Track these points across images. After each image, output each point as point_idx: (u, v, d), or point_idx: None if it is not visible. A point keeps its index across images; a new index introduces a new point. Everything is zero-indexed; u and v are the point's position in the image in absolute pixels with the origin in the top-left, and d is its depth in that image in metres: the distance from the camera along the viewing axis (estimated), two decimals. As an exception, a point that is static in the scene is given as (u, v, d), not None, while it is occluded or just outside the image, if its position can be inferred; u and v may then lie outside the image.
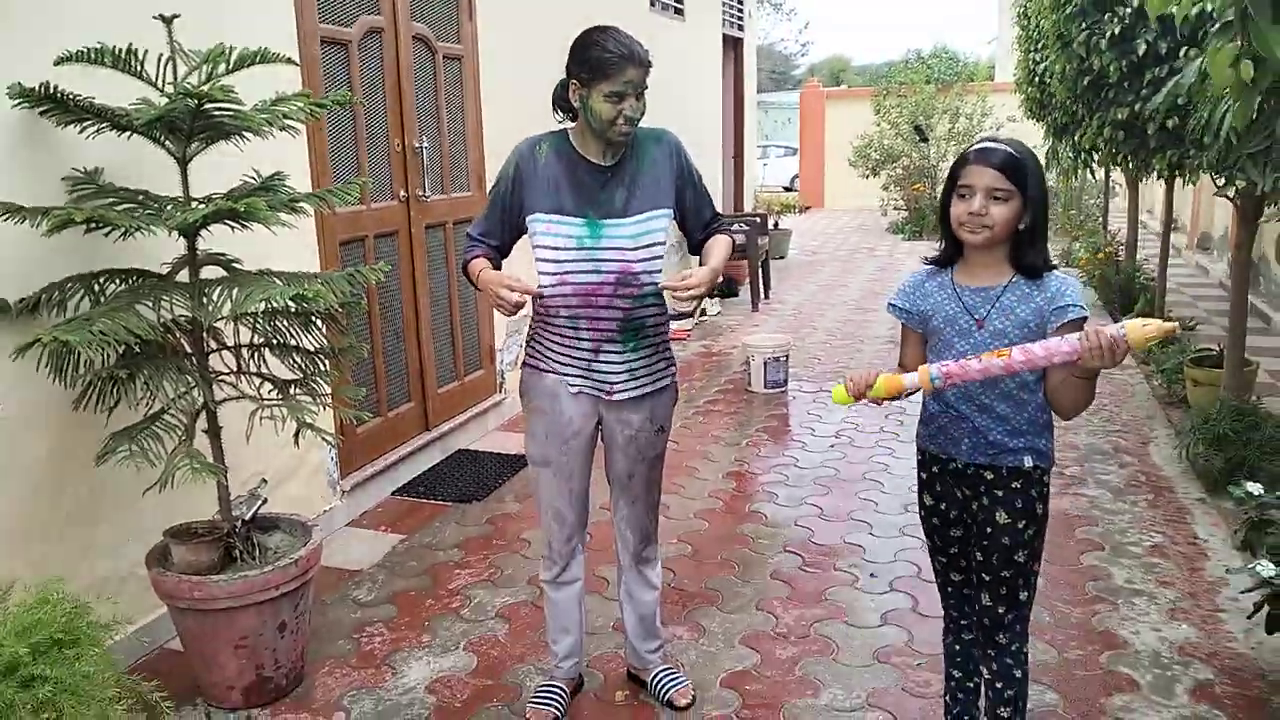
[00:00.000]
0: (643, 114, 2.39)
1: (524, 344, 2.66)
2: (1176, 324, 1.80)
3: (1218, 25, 1.72)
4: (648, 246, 2.46)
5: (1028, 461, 2.15)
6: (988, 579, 2.22)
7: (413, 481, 4.61)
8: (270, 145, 2.95)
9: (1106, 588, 3.43)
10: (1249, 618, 2.95)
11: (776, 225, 11.79)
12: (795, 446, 5.11)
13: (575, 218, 2.44)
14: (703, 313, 8.37)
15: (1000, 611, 2.22)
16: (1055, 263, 2.15)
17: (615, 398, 2.54)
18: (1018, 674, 2.25)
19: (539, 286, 2.45)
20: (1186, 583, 3.47)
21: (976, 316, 2.13)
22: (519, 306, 2.34)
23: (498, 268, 2.53)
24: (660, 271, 2.51)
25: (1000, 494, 2.17)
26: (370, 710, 2.86)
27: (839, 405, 2.15)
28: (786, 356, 6.15)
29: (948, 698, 2.50)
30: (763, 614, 3.34)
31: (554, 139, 2.51)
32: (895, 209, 15.38)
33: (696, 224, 2.61)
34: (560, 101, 2.49)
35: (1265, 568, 2.68)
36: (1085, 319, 2.05)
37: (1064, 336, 1.93)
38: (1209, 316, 7.49)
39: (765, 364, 6.03)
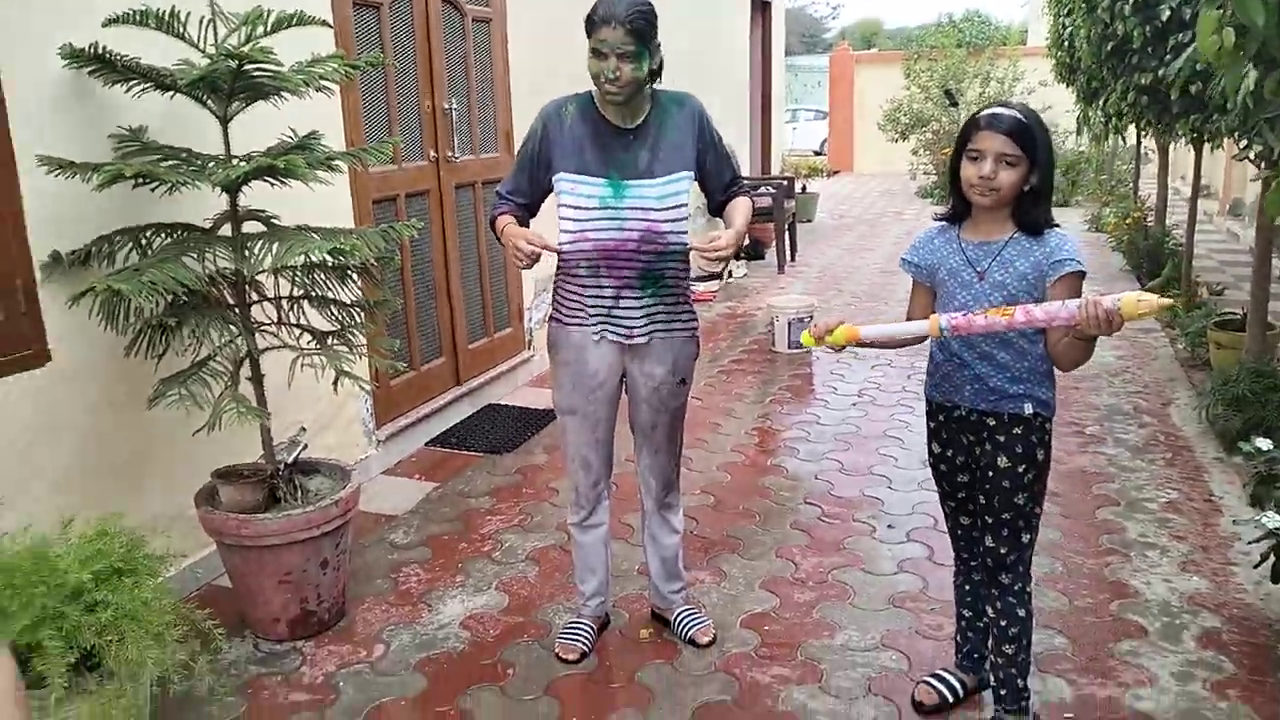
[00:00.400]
0: (629, 80, 2.42)
1: (553, 299, 2.77)
2: (1173, 300, 1.85)
3: (1207, -5, 1.77)
4: (674, 208, 2.55)
5: (1028, 408, 2.25)
6: (991, 521, 2.33)
7: (445, 433, 4.76)
8: (306, 105, 3.05)
9: (1120, 541, 3.51)
10: (1255, 567, 3.03)
11: (804, 189, 11.79)
12: (818, 405, 5.20)
13: (598, 178, 2.53)
14: (729, 275, 8.44)
15: (1003, 552, 2.33)
16: (1056, 220, 2.23)
17: (635, 340, 2.63)
18: (1020, 612, 2.36)
19: (560, 243, 2.55)
20: (1199, 537, 3.54)
21: (978, 269, 2.23)
22: (534, 259, 2.44)
23: (525, 225, 2.64)
24: (686, 232, 2.60)
25: (1002, 439, 2.27)
26: (408, 643, 3.01)
27: (808, 346, 2.34)
28: (811, 317, 6.22)
29: (958, 637, 2.62)
30: (782, 561, 3.45)
31: (579, 100, 2.59)
32: (924, 173, 15.30)
33: (717, 186, 2.69)
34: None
35: (1271, 519, 2.75)
36: (1082, 273, 2.14)
37: (1064, 302, 2.02)
38: (1236, 282, 7.46)
39: (790, 324, 6.11)
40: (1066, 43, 6.65)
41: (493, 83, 5.11)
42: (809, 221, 11.78)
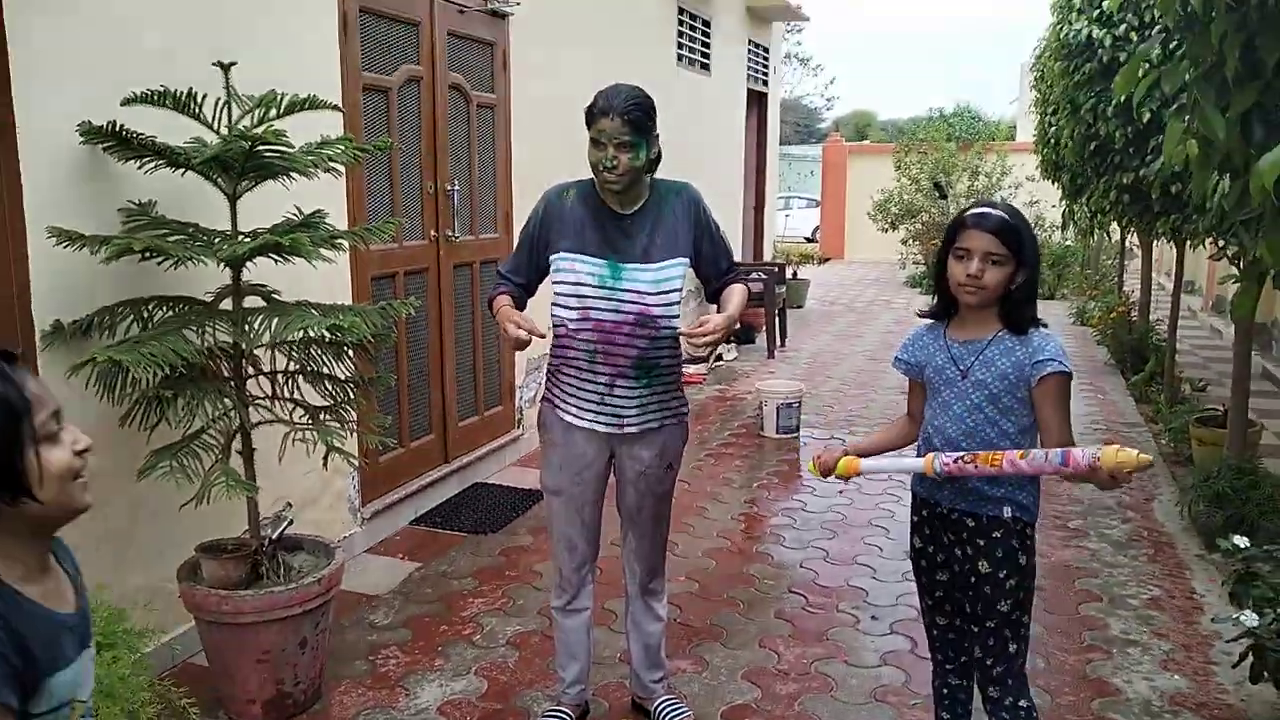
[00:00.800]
0: (628, 169, 2.50)
1: (543, 381, 2.80)
2: (1150, 459, 1.89)
3: (1174, 106, 1.85)
4: (665, 293, 2.60)
5: (1006, 512, 2.24)
6: (975, 630, 2.30)
7: (430, 511, 4.75)
8: (312, 184, 3.13)
9: (1103, 637, 3.51)
10: (1234, 667, 3.03)
11: (795, 275, 11.97)
12: (804, 491, 5.22)
13: (598, 258, 2.59)
14: (718, 358, 8.52)
15: (989, 663, 2.29)
16: (1042, 319, 2.27)
17: (627, 429, 2.66)
18: None
19: (558, 323, 2.61)
20: (1181, 635, 3.54)
21: (961, 367, 2.26)
22: (522, 344, 2.50)
23: (521, 307, 2.70)
24: (677, 317, 2.66)
25: (981, 543, 2.26)
26: (384, 727, 2.97)
27: (812, 474, 2.40)
28: (799, 403, 6.28)
29: None
30: (765, 651, 3.44)
31: (580, 186, 2.68)
32: (913, 263, 15.54)
33: (713, 273, 2.76)
34: None
35: (1249, 618, 2.77)
36: (1066, 374, 2.17)
37: (1048, 454, 2.04)
38: (1219, 378, 7.56)
39: (778, 409, 6.16)
40: (1052, 141, 6.86)
41: (494, 166, 5.24)
42: (799, 307, 11.93)
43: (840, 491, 5.16)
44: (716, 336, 2.50)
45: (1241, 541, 3.03)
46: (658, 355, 2.65)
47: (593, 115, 2.51)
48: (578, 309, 2.59)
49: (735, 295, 2.71)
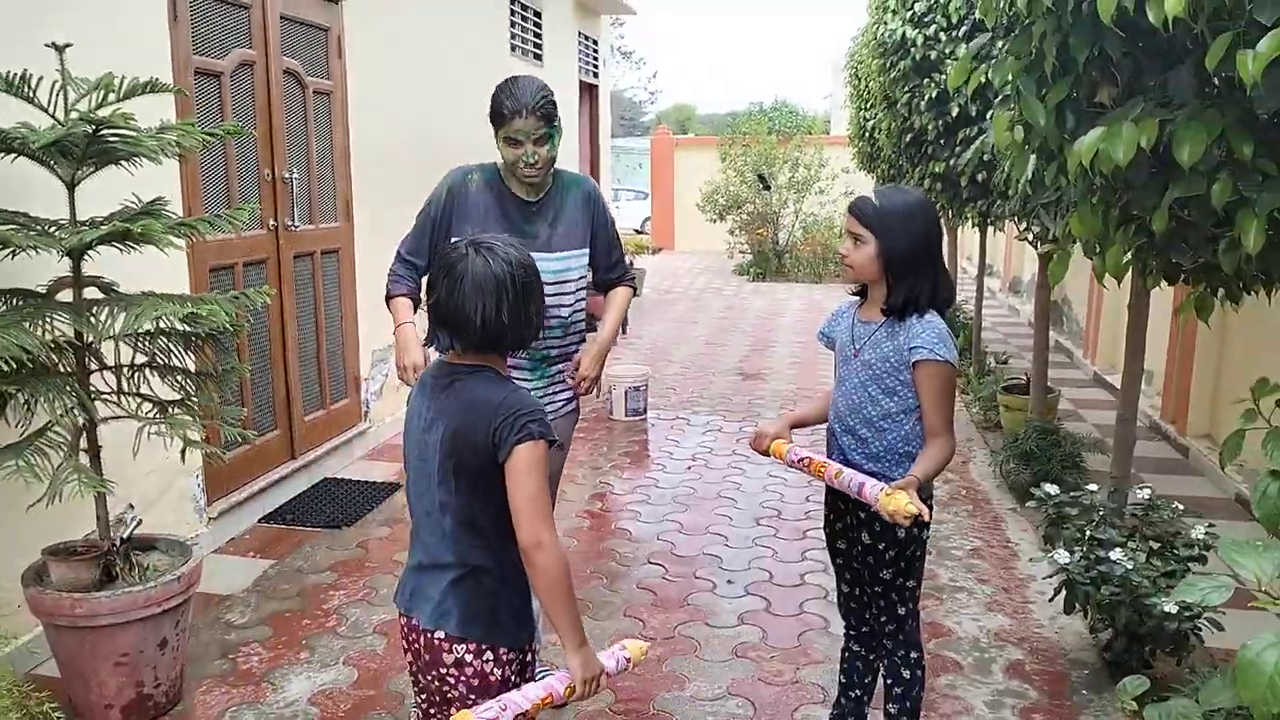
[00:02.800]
0: (546, 160, 2.58)
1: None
2: (917, 510, 2.05)
3: (1000, 98, 2.10)
4: (564, 283, 2.65)
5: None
6: (869, 591, 2.48)
7: (280, 508, 4.63)
8: (145, 172, 3.00)
9: (933, 586, 3.84)
10: (1049, 600, 3.40)
11: (632, 264, 12.18)
12: (655, 469, 5.39)
13: None
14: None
15: (883, 620, 2.47)
16: (928, 309, 2.29)
17: None
18: (905, 674, 2.48)
19: None
20: (1001, 579, 3.92)
21: (856, 346, 2.39)
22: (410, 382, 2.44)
23: (417, 300, 2.68)
24: (577, 307, 2.72)
25: (863, 515, 2.37)
26: (253, 723, 2.92)
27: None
28: (645, 386, 6.46)
29: (837, 702, 2.71)
30: (630, 619, 3.57)
31: (485, 170, 2.69)
32: (740, 252, 16.09)
33: (605, 264, 2.84)
34: None
35: (1061, 555, 3.12)
36: (938, 361, 2.24)
37: (851, 480, 2.22)
38: (1019, 352, 8.27)
39: (626, 393, 6.32)
40: (868, 134, 7.31)
41: (333, 154, 5.13)
42: (636, 295, 12.15)
43: (688, 468, 5.37)
44: (597, 370, 2.61)
45: (1052, 489, 3.40)
46: (547, 345, 2.68)
47: (503, 117, 2.52)
48: None
49: (617, 303, 2.83)
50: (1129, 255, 2.04)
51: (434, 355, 2.36)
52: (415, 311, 2.66)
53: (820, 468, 2.32)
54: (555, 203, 2.69)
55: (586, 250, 2.74)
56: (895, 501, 2.07)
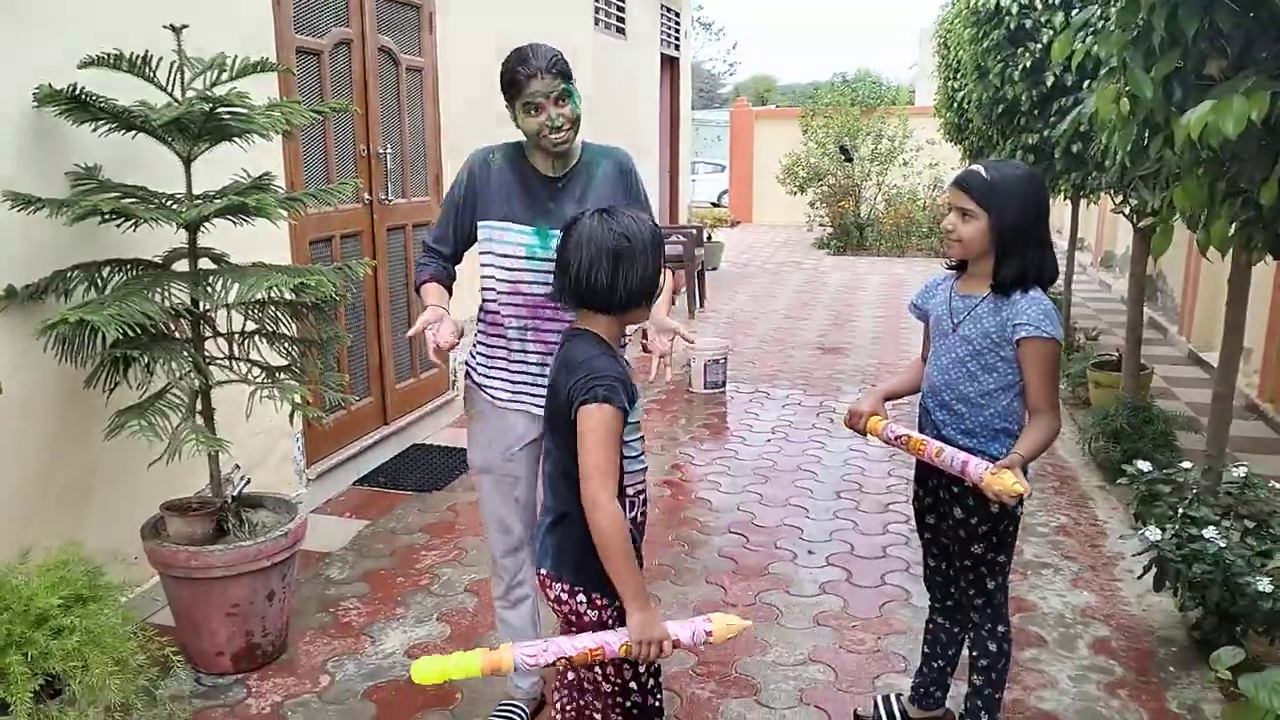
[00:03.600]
0: (571, 119, 2.39)
1: (471, 353, 2.65)
2: (1025, 489, 2.06)
3: (1105, 69, 2.06)
4: None
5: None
6: (957, 565, 2.46)
7: (374, 472, 4.81)
8: (251, 148, 3.12)
9: (1018, 562, 3.81)
10: (1139, 578, 3.36)
11: (710, 238, 12.18)
12: (735, 441, 5.44)
13: (525, 225, 2.44)
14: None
15: (972, 594, 2.45)
16: (1033, 285, 2.25)
17: None
18: (991, 647, 2.47)
19: (488, 297, 2.49)
20: (1088, 557, 3.88)
21: (954, 320, 2.34)
22: (440, 355, 2.33)
23: (450, 285, 2.58)
24: None
25: (956, 490, 2.35)
26: (354, 673, 3.07)
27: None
28: (725, 359, 6.49)
29: (919, 671, 2.73)
30: (712, 586, 3.64)
31: (507, 149, 2.53)
32: (820, 225, 15.93)
33: None
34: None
35: (1152, 532, 3.08)
36: (1044, 339, 2.20)
37: (954, 458, 2.20)
38: (1110, 328, 8.07)
39: (705, 366, 6.36)
40: (957, 105, 7.17)
41: (423, 129, 5.26)
42: (715, 269, 12.17)
43: (768, 441, 5.40)
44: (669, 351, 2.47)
45: (1144, 466, 3.35)
46: None
47: (518, 84, 2.35)
48: (507, 281, 2.46)
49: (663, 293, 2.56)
50: (1234, 229, 2.00)
51: (457, 327, 2.31)
52: (450, 298, 2.55)
53: (920, 445, 2.30)
54: (583, 177, 2.50)
55: None
56: (1001, 481, 2.04)
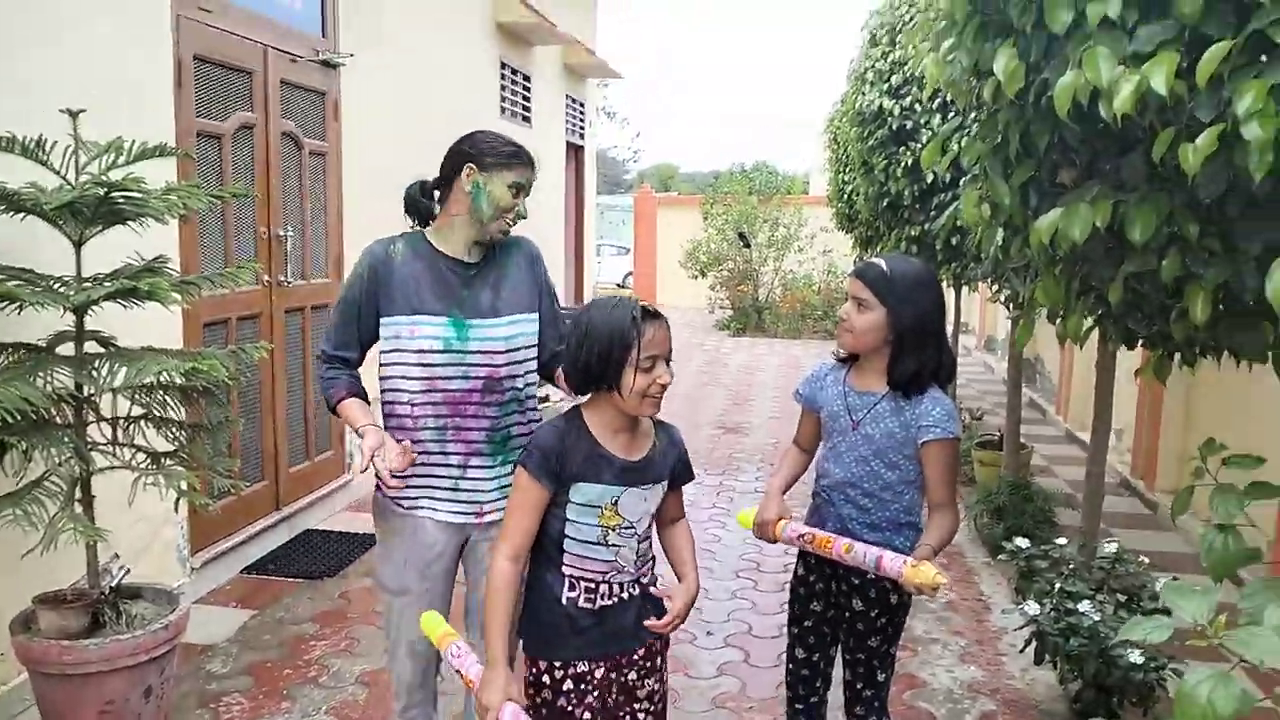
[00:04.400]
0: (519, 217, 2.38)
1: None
2: (943, 581, 2.02)
3: (968, 175, 2.24)
4: (517, 349, 2.35)
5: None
6: (848, 657, 2.43)
7: (262, 559, 4.65)
8: (146, 231, 3.07)
9: (908, 638, 3.91)
10: (1020, 652, 3.48)
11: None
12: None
13: (439, 317, 2.29)
14: (544, 399, 8.66)
15: (859, 688, 2.42)
16: (931, 383, 2.25)
17: (487, 517, 2.37)
18: None
19: (395, 400, 2.33)
20: (974, 631, 4.00)
21: (854, 418, 2.31)
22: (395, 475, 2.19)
23: (366, 398, 2.38)
24: (533, 382, 2.43)
25: (856, 582, 2.32)
26: (236, 773, 2.94)
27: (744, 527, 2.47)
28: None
29: None
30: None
31: (409, 239, 2.37)
32: (721, 307, 16.31)
33: (553, 335, 2.45)
34: (416, 203, 2.42)
35: (1031, 607, 3.21)
36: (949, 439, 2.22)
37: (867, 554, 2.14)
38: (993, 408, 8.43)
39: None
40: (846, 196, 7.51)
41: (326, 211, 5.26)
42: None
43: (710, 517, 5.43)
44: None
45: (1023, 543, 3.51)
46: (510, 423, 2.36)
47: (511, 161, 2.31)
48: (422, 378, 2.29)
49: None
50: (1089, 322, 2.17)
51: (405, 448, 2.18)
52: (370, 405, 2.36)
53: (826, 543, 2.23)
54: (498, 263, 2.39)
55: (536, 315, 2.41)
56: (922, 574, 2.02)
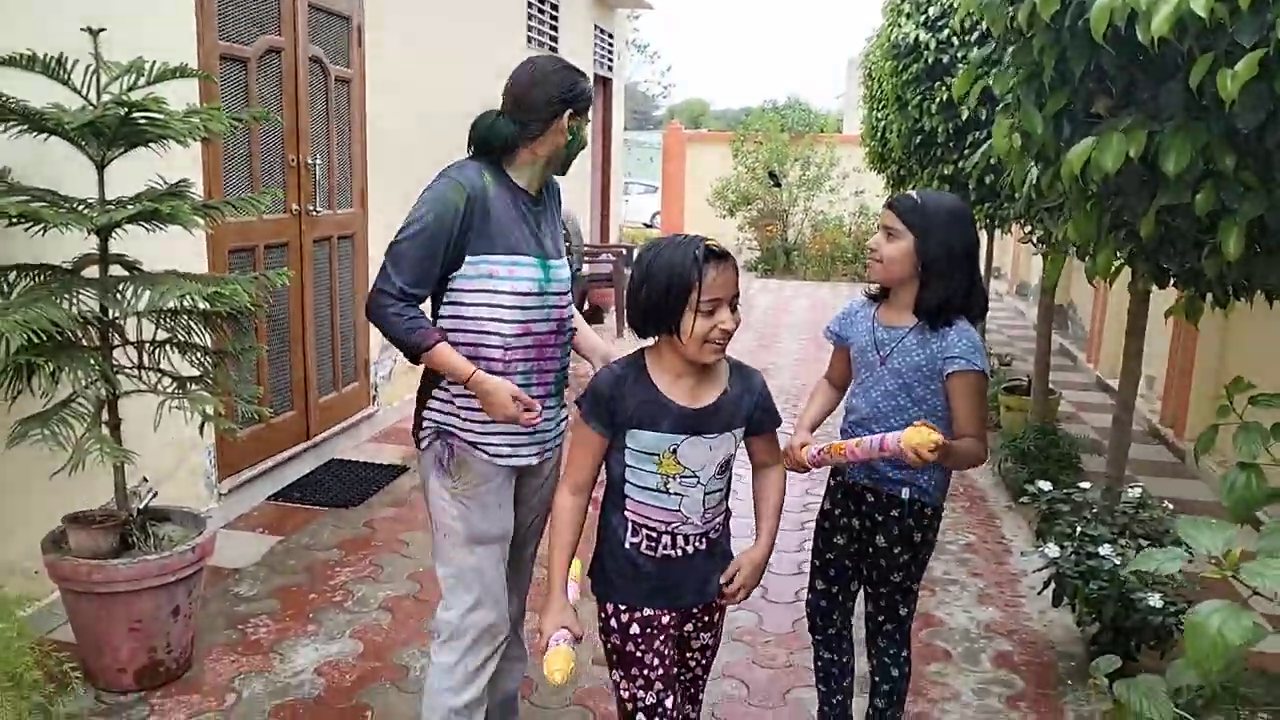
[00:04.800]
0: None
1: (441, 412, 2.32)
2: (940, 438, 1.99)
3: (1001, 106, 2.17)
4: (566, 294, 2.36)
5: (905, 493, 2.32)
6: (870, 591, 2.47)
7: (289, 487, 4.72)
8: (169, 154, 3.08)
9: (927, 578, 3.91)
10: (1039, 593, 3.48)
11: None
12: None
13: (529, 257, 2.23)
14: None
15: (880, 620, 2.48)
16: (959, 316, 2.24)
17: (545, 456, 2.40)
18: (894, 672, 2.50)
19: (486, 342, 2.24)
20: (994, 574, 4.00)
21: (881, 353, 2.32)
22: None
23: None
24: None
25: (880, 518, 2.35)
26: (261, 691, 3.01)
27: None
28: (650, 378, 6.53)
29: (820, 711, 2.68)
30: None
31: (491, 169, 2.25)
32: (749, 248, 16.16)
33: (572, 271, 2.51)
34: (495, 134, 2.25)
35: (1051, 549, 3.20)
36: (976, 372, 2.20)
37: (873, 441, 2.15)
38: (1023, 354, 8.34)
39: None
40: (880, 134, 7.37)
41: (350, 141, 5.22)
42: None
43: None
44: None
45: (1045, 486, 3.48)
46: (568, 363, 2.42)
47: (585, 99, 2.29)
48: (517, 321, 2.22)
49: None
50: (1121, 259, 2.12)
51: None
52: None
53: (839, 449, 2.24)
54: (545, 199, 2.37)
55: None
56: (920, 434, 1.99)
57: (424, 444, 2.35)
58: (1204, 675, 1.06)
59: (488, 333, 2.22)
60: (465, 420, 2.28)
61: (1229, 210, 1.61)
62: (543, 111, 2.23)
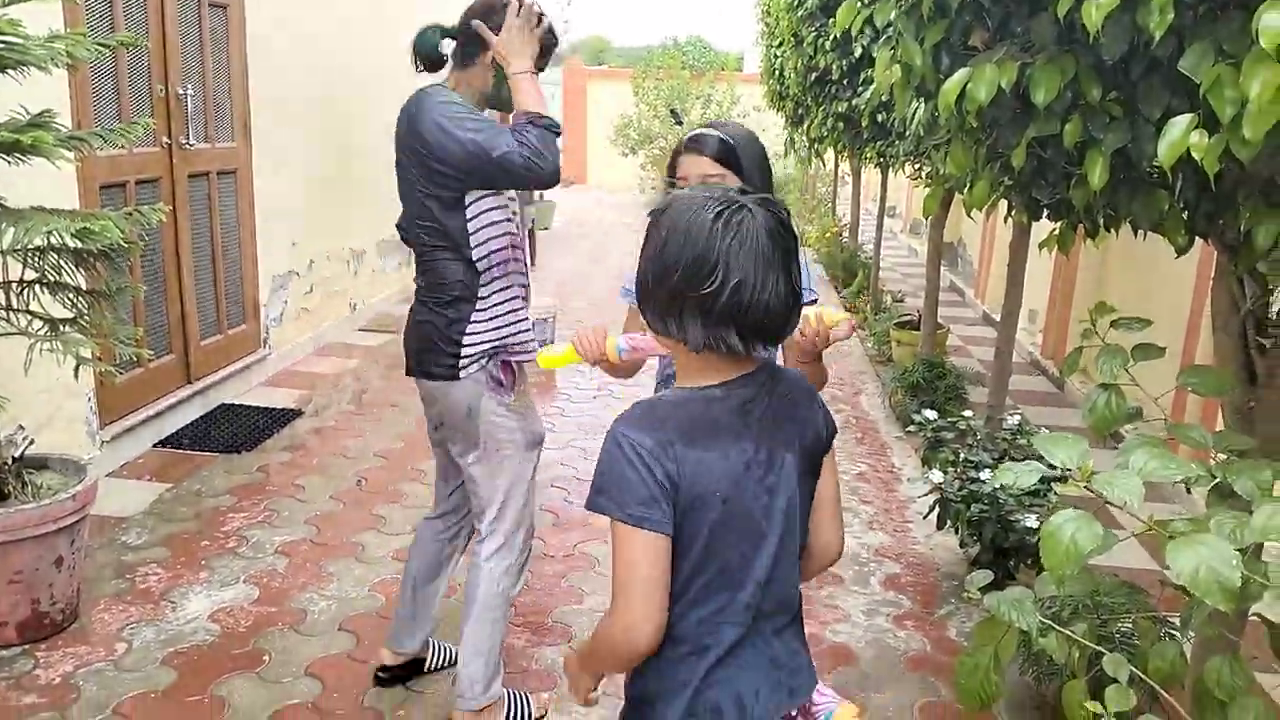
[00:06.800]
0: None
1: (484, 334, 2.39)
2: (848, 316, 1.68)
3: (882, 39, 2.20)
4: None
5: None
6: None
7: (176, 433, 4.58)
8: (30, 83, 2.89)
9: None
10: (924, 517, 3.64)
11: (541, 197, 12.12)
12: (562, 399, 5.49)
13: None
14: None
15: None
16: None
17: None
18: None
19: (496, 257, 2.37)
20: (884, 501, 4.16)
21: None
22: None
23: None
24: None
25: None
26: (153, 639, 2.95)
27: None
28: (553, 318, 6.51)
29: None
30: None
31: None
32: (653, 188, 16.13)
33: None
34: (420, 41, 2.38)
35: (935, 475, 3.34)
36: (811, 300, 2.02)
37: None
38: (915, 291, 8.59)
39: (534, 325, 6.35)
40: (778, 72, 7.39)
41: (229, 70, 4.98)
42: (547, 229, 12.13)
43: (594, 398, 5.48)
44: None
45: (931, 415, 3.62)
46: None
47: (552, 48, 2.40)
48: (512, 233, 2.41)
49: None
50: (998, 194, 2.19)
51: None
52: None
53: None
54: None
55: None
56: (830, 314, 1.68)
57: (465, 373, 2.38)
58: (1058, 581, 1.13)
59: (509, 232, 2.39)
60: (514, 329, 2.41)
61: (1095, 140, 1.67)
62: (472, 42, 2.33)
